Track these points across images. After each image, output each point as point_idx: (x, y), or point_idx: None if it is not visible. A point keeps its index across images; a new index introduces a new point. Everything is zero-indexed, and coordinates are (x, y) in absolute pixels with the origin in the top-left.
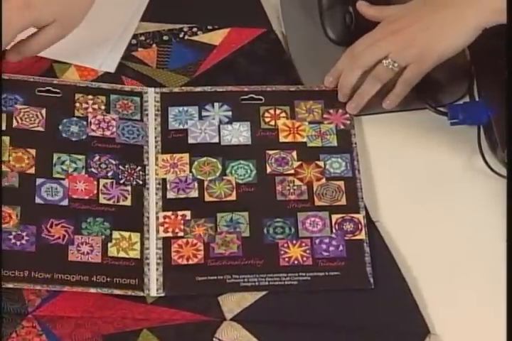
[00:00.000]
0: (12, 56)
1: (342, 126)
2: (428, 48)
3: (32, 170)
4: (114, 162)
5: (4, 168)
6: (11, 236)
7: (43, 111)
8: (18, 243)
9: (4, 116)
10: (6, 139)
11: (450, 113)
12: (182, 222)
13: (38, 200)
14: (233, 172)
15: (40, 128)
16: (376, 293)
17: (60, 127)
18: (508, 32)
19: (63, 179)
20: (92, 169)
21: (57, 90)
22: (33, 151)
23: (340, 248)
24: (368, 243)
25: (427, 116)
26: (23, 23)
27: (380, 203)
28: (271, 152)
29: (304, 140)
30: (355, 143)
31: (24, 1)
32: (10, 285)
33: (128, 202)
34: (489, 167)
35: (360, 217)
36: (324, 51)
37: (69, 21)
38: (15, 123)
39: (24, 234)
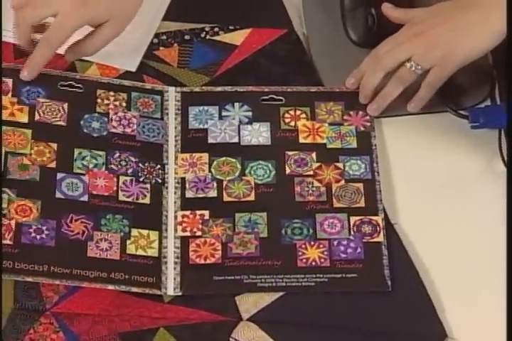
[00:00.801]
0: (68, 57)
1: (362, 128)
2: (452, 51)
3: (53, 165)
4: (134, 159)
5: (26, 161)
6: (31, 230)
7: (65, 105)
8: (38, 237)
9: (27, 108)
10: (28, 132)
11: (471, 116)
12: (200, 221)
13: (58, 195)
14: (252, 172)
15: (62, 123)
16: (393, 296)
17: (82, 122)
18: (508, 32)
19: (84, 174)
20: (112, 166)
21: (80, 85)
22: (54, 145)
23: (358, 250)
24: (386, 245)
25: (448, 119)
26: (80, 20)
27: (398, 205)
28: (290, 153)
29: (324, 141)
30: (375, 145)
31: None
32: (29, 279)
33: (147, 200)
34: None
35: (379, 219)
36: (345, 52)
37: (122, 19)
38: (37, 117)
39: (44, 228)
